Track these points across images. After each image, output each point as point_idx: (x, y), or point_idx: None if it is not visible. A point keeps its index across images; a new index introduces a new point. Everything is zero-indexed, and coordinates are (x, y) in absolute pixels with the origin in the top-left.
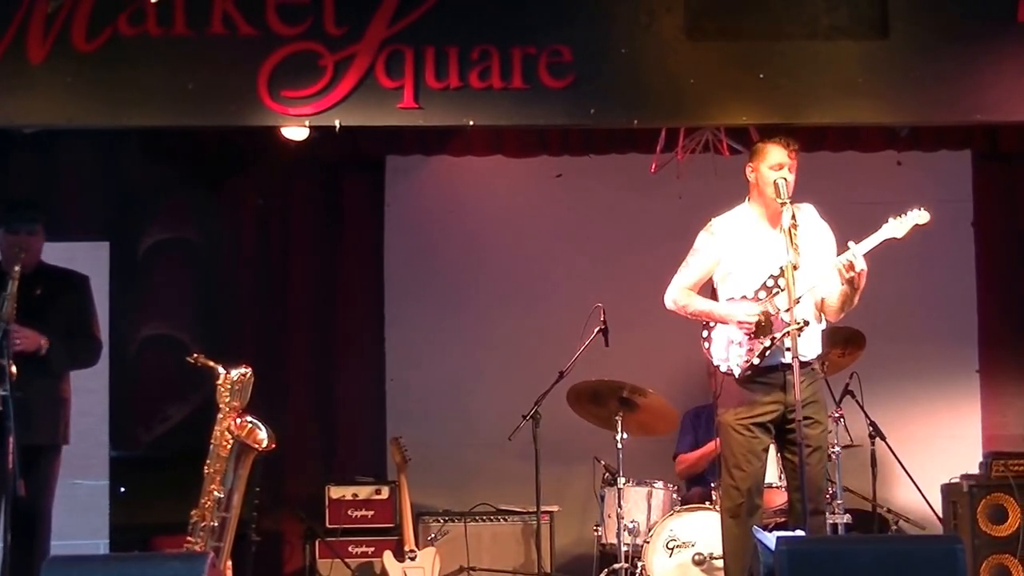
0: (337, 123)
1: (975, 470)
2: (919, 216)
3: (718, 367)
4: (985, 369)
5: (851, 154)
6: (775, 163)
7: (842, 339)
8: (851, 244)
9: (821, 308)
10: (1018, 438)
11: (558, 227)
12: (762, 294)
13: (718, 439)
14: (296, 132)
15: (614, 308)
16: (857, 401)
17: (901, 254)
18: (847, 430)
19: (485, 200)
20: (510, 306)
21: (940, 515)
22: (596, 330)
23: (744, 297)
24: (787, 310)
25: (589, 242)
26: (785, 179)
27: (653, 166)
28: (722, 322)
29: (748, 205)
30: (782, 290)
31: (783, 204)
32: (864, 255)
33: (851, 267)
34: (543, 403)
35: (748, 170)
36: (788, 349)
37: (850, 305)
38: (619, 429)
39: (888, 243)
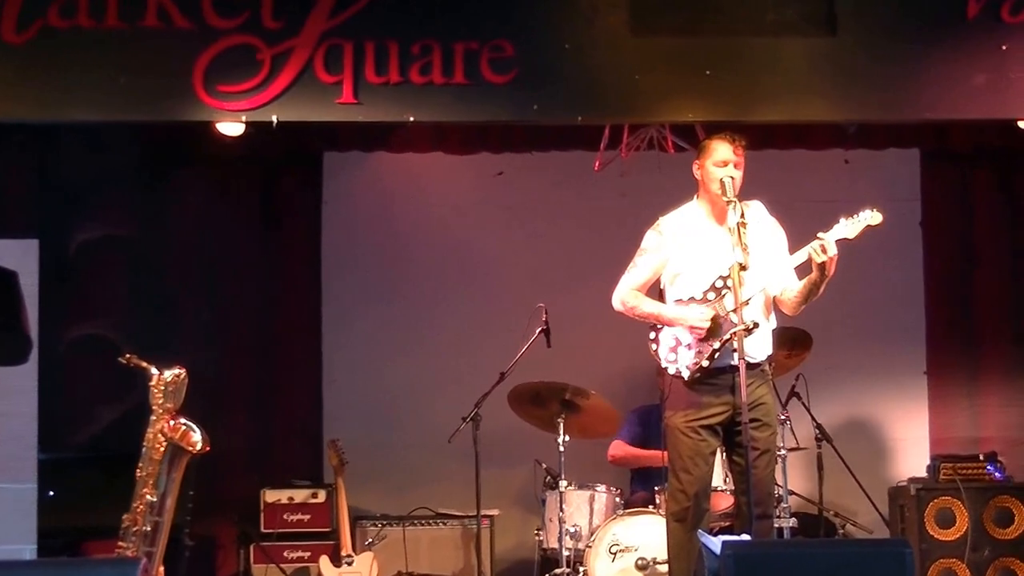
0: (274, 119)
1: (923, 473)
2: (871, 217)
3: (666, 369)
4: (933, 371)
5: (799, 152)
6: (720, 159)
7: (788, 340)
8: (822, 233)
9: (776, 304)
10: (966, 440)
11: (500, 225)
12: (711, 295)
13: (664, 452)
14: (232, 128)
15: (557, 308)
16: (803, 403)
17: (848, 254)
18: (793, 433)
19: (425, 198)
20: (450, 306)
21: (887, 519)
22: (538, 330)
23: (693, 299)
24: (734, 311)
25: (531, 241)
26: (732, 176)
27: (597, 163)
28: (671, 325)
29: (696, 203)
30: (731, 291)
31: (729, 202)
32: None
33: (824, 250)
34: (484, 405)
35: (695, 167)
36: (735, 350)
37: (815, 294)
38: (561, 431)
39: (837, 243)
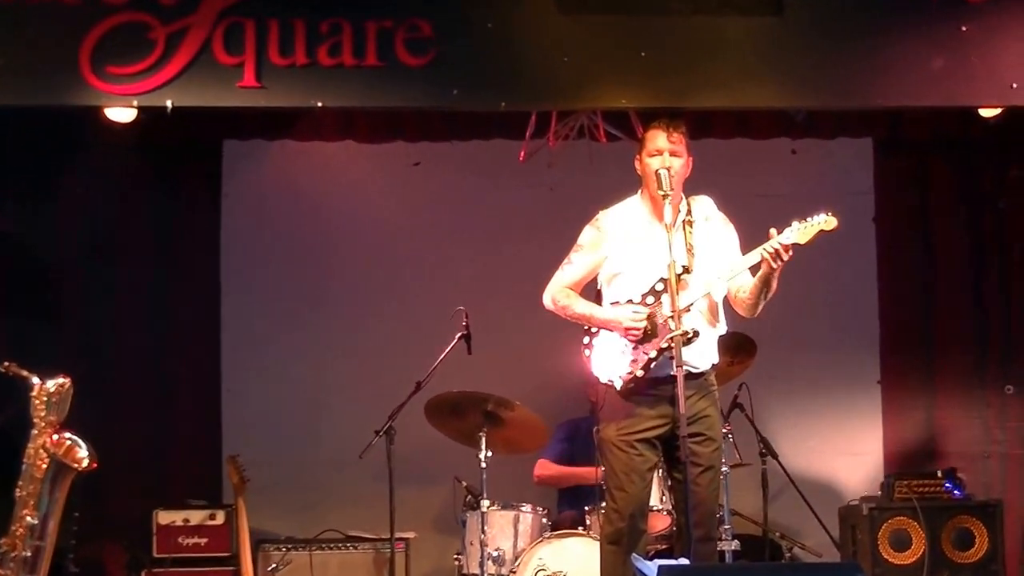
0: (169, 103)
1: (876, 491)
2: (825, 222)
3: (599, 378)
4: (887, 380)
5: (741, 141)
6: (654, 149)
7: (731, 346)
8: (774, 231)
9: (731, 307)
10: (923, 455)
11: (416, 221)
12: (650, 299)
13: (596, 468)
14: (122, 113)
15: (479, 311)
16: (747, 415)
17: (795, 252)
18: (736, 447)
19: (334, 191)
20: (362, 309)
21: (838, 541)
22: (458, 336)
23: (630, 301)
24: (672, 317)
25: (451, 238)
26: (667, 167)
27: (522, 154)
28: (605, 328)
29: (639, 199)
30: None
31: (664, 196)
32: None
33: (776, 255)
34: (398, 417)
35: (636, 161)
36: (672, 358)
37: (767, 293)
38: (483, 446)
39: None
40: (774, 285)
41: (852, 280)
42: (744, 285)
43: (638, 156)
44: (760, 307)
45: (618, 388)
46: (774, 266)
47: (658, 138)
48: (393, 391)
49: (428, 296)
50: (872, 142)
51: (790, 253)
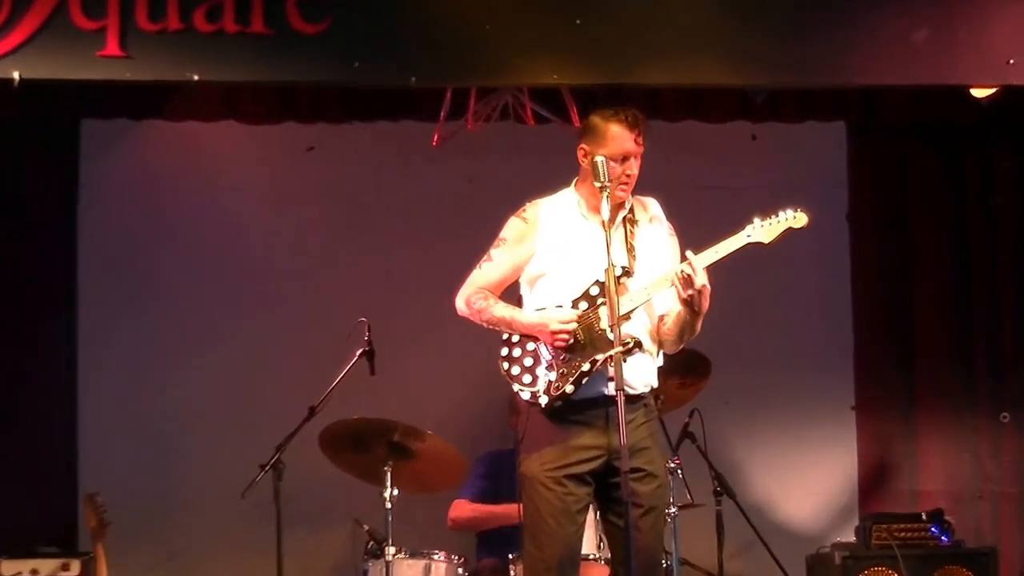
0: (16, 75)
1: (850, 536)
2: (794, 218)
3: (519, 394)
4: (863, 406)
5: (691, 124)
6: (619, 152)
7: (681, 365)
8: (690, 254)
9: (660, 335)
10: (904, 494)
11: (310, 217)
12: (583, 304)
13: (520, 504)
14: None
15: (384, 323)
16: (699, 447)
17: (756, 256)
18: (686, 485)
19: (213, 181)
20: (246, 321)
21: None
22: (359, 352)
23: (560, 308)
24: (611, 327)
25: (351, 236)
26: (628, 176)
27: (435, 138)
28: (527, 334)
29: (573, 191)
30: (608, 301)
31: (601, 188)
32: (707, 267)
33: (688, 281)
34: (288, 448)
35: (581, 153)
36: (611, 378)
37: (690, 333)
38: (388, 483)
39: (749, 247)
40: (697, 327)
41: (822, 288)
42: (670, 312)
43: (584, 146)
44: (682, 343)
45: (543, 407)
46: (684, 295)
47: (626, 140)
48: (282, 418)
49: (324, 305)
50: (845, 127)
51: (696, 285)
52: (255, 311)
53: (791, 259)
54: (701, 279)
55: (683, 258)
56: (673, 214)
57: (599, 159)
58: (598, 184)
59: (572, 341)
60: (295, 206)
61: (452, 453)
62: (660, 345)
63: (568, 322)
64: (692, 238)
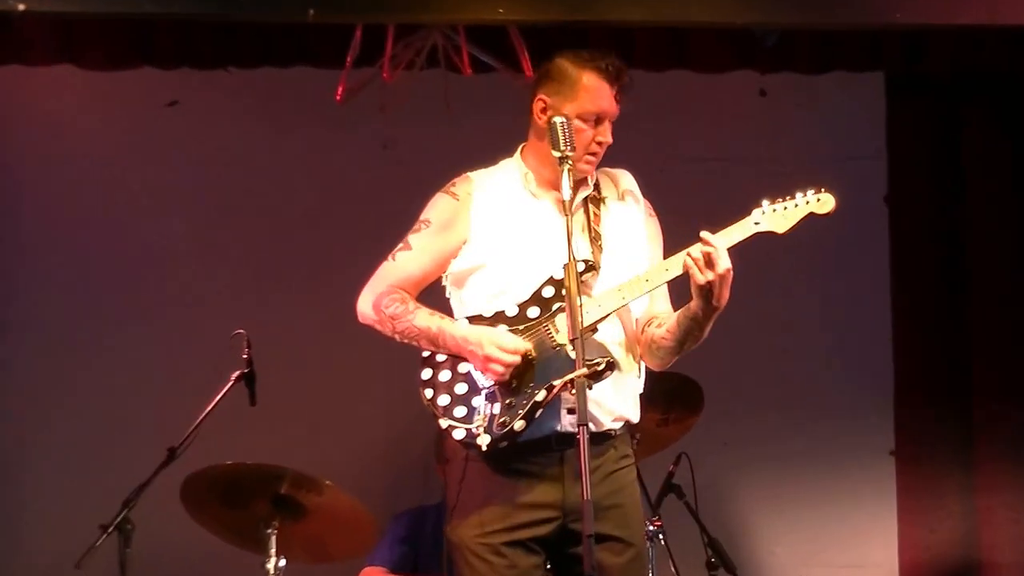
0: None
1: None
2: (816, 201)
3: (450, 432)
4: (905, 450)
5: (678, 76)
6: (592, 109)
7: (663, 395)
8: (705, 234)
9: (643, 342)
10: (957, 563)
11: (170, 192)
12: (533, 311)
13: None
14: None
15: (268, 335)
16: (687, 504)
17: (764, 252)
18: (670, 555)
19: (46, 141)
20: (81, 331)
21: None
22: (234, 375)
23: (500, 315)
24: (572, 341)
25: (225, 221)
26: (599, 144)
27: (339, 91)
28: (456, 353)
29: (517, 161)
30: (568, 306)
31: (562, 159)
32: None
33: (709, 262)
34: (138, 503)
35: (539, 107)
36: (571, 410)
37: (695, 339)
38: (272, 550)
39: (760, 237)
40: (706, 331)
41: (851, 295)
42: (661, 315)
43: (545, 100)
44: (679, 354)
45: (483, 448)
46: (702, 281)
47: (603, 96)
48: (130, 462)
49: (187, 311)
50: (884, 79)
51: (718, 269)
52: (95, 318)
53: (810, 255)
54: (725, 261)
55: (666, 249)
56: (651, 197)
57: (558, 120)
58: (557, 153)
59: (511, 373)
60: (151, 178)
61: (358, 511)
62: (646, 358)
63: (511, 351)
64: (678, 230)
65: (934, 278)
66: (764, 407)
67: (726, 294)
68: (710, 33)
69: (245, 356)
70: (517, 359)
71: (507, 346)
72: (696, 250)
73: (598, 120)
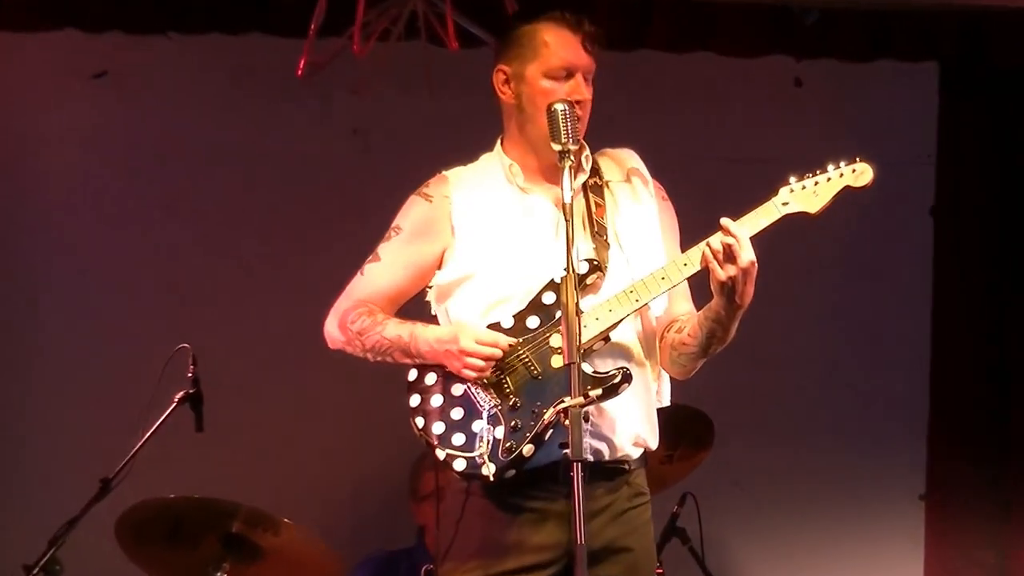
0: None
1: None
2: (852, 173)
3: (449, 463)
4: (937, 495)
5: (699, 59)
6: (559, 64)
7: (667, 428)
8: (726, 221)
9: (663, 348)
10: None
11: (102, 180)
12: (533, 320)
13: None
14: None
15: (217, 350)
16: (692, 550)
17: (786, 269)
18: None
19: None
20: (7, 343)
21: None
22: (178, 396)
23: (495, 327)
24: (567, 365)
25: (165, 214)
26: (577, 101)
27: (301, 64)
28: (431, 357)
29: (501, 153)
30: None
31: (563, 153)
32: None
33: (729, 254)
34: (68, 541)
35: (499, 80)
36: (563, 443)
37: (720, 341)
38: None
39: (782, 223)
40: (731, 332)
41: (886, 318)
42: (682, 318)
43: (505, 69)
44: (704, 359)
45: (490, 478)
46: (723, 277)
47: (567, 45)
48: (57, 496)
49: (119, 320)
50: (937, 70)
51: (741, 263)
52: (16, 328)
53: (841, 274)
54: (748, 253)
55: (683, 244)
56: (677, 197)
57: (559, 107)
58: (557, 146)
59: (499, 373)
60: (78, 164)
61: (320, 552)
62: (667, 366)
63: (489, 343)
64: (697, 238)
65: (980, 306)
66: (780, 442)
67: (750, 291)
68: (739, 8)
69: (190, 374)
70: (497, 352)
71: (484, 338)
72: (716, 241)
73: (568, 75)
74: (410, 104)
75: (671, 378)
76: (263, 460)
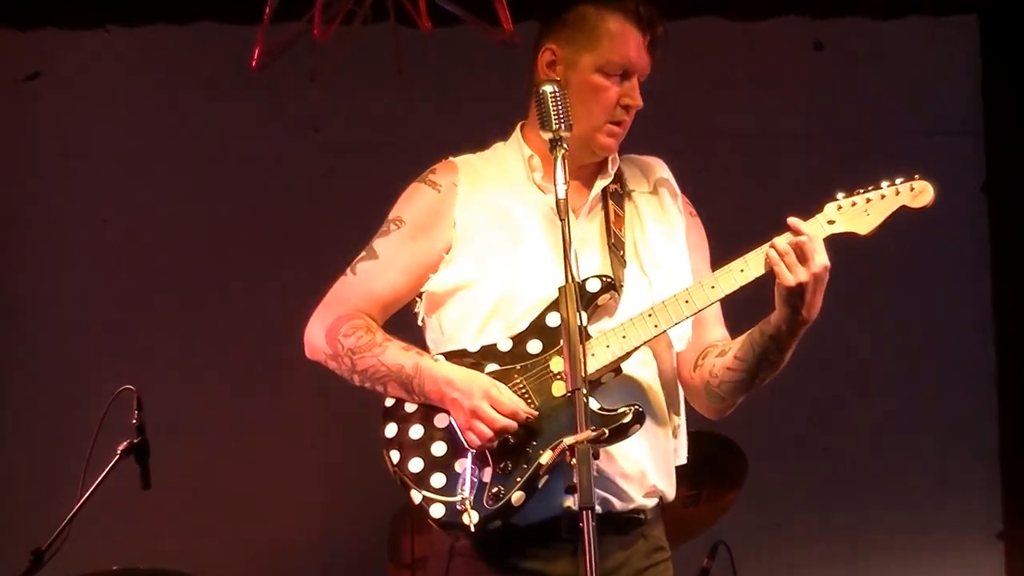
0: None
1: None
2: (911, 192)
3: (425, 511)
4: (1015, 533)
5: (708, 23)
6: (619, 61)
7: (692, 464)
8: (795, 220)
9: (697, 381)
10: None
11: (33, 191)
12: (535, 344)
13: None
14: None
15: (164, 392)
16: None
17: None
18: None
19: None
20: None
21: None
22: (120, 448)
23: (491, 349)
24: (570, 393)
25: (105, 229)
26: (626, 106)
27: (255, 54)
28: (438, 401)
29: (521, 141)
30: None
31: (554, 141)
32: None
33: (802, 253)
34: None
35: (546, 60)
36: (570, 488)
37: (771, 367)
38: None
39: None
40: (787, 355)
41: (941, 321)
42: (718, 343)
43: (554, 50)
44: (749, 391)
45: (472, 529)
46: (792, 282)
47: (631, 43)
48: None
49: (54, 361)
50: (977, 24)
51: (814, 267)
52: None
53: (887, 269)
54: (822, 255)
55: (704, 255)
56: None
57: (548, 88)
58: (547, 134)
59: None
60: (4, 171)
61: None
62: (700, 401)
63: (507, 411)
64: (710, 228)
65: None
66: (828, 477)
67: (819, 301)
68: None
69: (135, 419)
70: (512, 425)
71: (504, 404)
72: (783, 241)
73: (624, 75)
74: (378, 94)
75: (702, 413)
76: (220, 521)
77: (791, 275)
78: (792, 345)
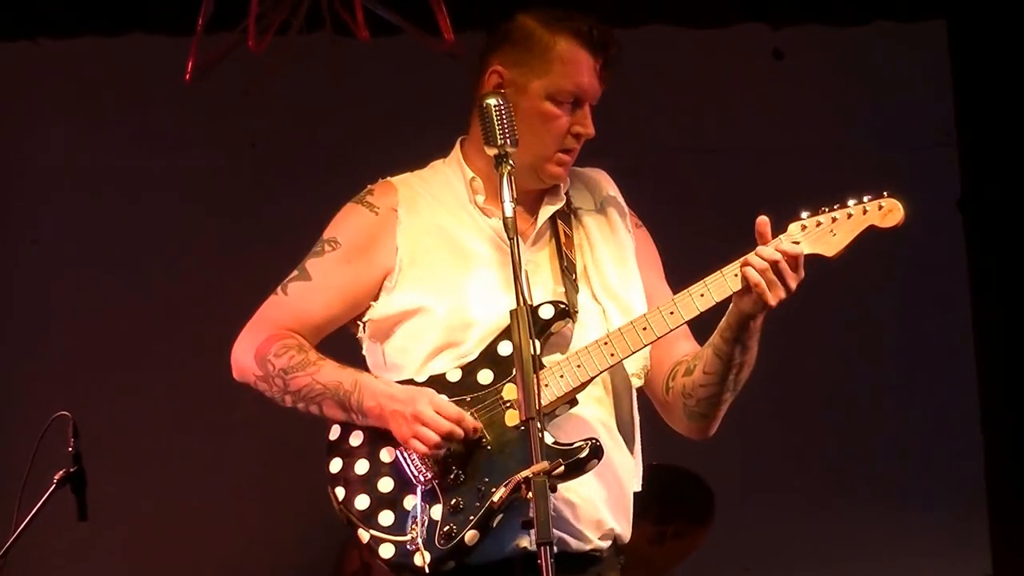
0: None
1: None
2: (879, 210)
3: (374, 550)
4: (1005, 573)
5: (656, 32)
6: (569, 89)
7: (656, 499)
8: (796, 226)
9: (672, 401)
10: None
11: None
12: (486, 375)
13: None
14: None
15: (100, 419)
16: None
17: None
18: None
19: None
20: None
21: None
22: (56, 477)
23: (440, 379)
24: (528, 419)
25: (36, 253)
26: (580, 133)
27: (188, 67)
28: (376, 418)
29: (461, 161)
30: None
31: (499, 157)
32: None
33: (794, 262)
34: None
35: (491, 82)
36: (527, 522)
37: (742, 366)
38: None
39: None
40: (756, 341)
41: (920, 338)
42: (687, 359)
43: (501, 72)
44: (727, 403)
45: (427, 570)
46: (773, 301)
47: (583, 69)
48: None
49: None
50: (945, 31)
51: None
52: None
53: (859, 285)
54: (801, 272)
55: (657, 269)
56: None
57: (492, 102)
58: (491, 150)
59: (448, 451)
60: None
61: None
62: (681, 422)
63: (452, 417)
64: (669, 249)
65: None
66: (804, 513)
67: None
68: None
69: (70, 447)
70: (458, 431)
71: (449, 410)
72: (770, 251)
73: (576, 103)
74: (316, 108)
75: (680, 431)
76: (161, 553)
77: (772, 296)
78: (756, 340)
